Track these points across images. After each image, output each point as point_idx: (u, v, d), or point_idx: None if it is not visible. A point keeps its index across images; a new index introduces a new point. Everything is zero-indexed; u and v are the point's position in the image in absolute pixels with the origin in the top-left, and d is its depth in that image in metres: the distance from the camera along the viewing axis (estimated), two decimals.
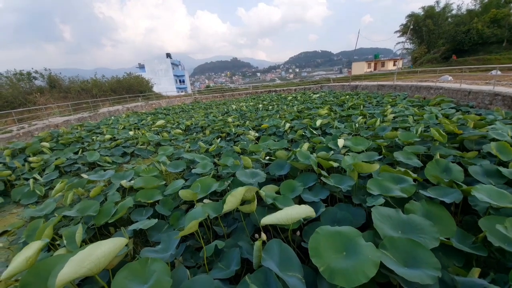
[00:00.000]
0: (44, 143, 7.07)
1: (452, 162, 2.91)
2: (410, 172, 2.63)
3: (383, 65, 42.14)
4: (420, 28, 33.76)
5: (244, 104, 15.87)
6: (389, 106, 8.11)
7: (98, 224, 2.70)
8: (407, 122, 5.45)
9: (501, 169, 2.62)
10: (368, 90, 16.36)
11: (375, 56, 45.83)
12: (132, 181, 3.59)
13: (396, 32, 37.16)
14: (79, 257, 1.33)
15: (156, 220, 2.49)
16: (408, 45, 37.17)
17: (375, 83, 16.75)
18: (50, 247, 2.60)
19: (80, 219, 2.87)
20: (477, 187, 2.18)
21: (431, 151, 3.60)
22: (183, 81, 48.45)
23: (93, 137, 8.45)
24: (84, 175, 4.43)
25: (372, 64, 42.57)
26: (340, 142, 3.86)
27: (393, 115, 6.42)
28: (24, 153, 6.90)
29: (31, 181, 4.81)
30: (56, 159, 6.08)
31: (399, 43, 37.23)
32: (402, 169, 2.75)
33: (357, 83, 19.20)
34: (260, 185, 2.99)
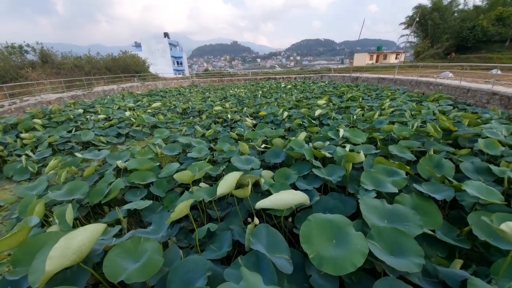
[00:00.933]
0: (36, 120, 6.91)
1: (445, 158, 2.96)
2: (404, 165, 2.67)
3: (385, 58, 41.59)
4: (426, 21, 33.02)
5: (243, 90, 15.64)
6: (388, 100, 8.09)
7: (91, 203, 2.71)
8: (404, 117, 5.47)
9: (492, 167, 2.68)
10: (368, 82, 16.24)
11: (378, 48, 45.04)
12: (127, 162, 3.57)
13: (401, 24, 36.33)
14: (58, 252, 1.26)
15: (150, 202, 2.50)
16: (412, 39, 36.49)
17: (376, 75, 16.61)
18: (44, 223, 2.61)
19: (72, 199, 2.87)
20: (467, 183, 2.25)
21: (425, 147, 3.65)
22: (181, 63, 47.17)
23: (87, 116, 8.28)
24: (78, 154, 4.38)
25: (375, 56, 41.95)
26: (341, 131, 3.91)
27: (391, 109, 6.43)
28: (16, 129, 6.75)
29: (23, 157, 4.74)
30: (49, 136, 5.97)
31: (403, 35, 36.56)
32: (396, 162, 2.79)
33: (358, 74, 19.01)
34: (254, 172, 3.01)
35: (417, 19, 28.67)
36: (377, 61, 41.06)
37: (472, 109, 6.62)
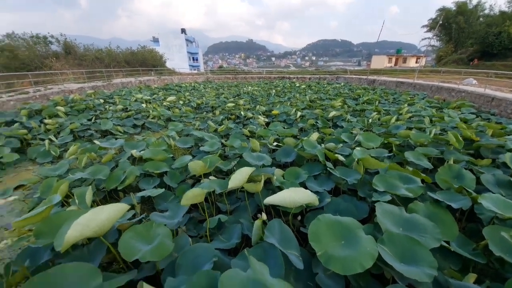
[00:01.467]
0: (59, 107, 7.26)
1: (465, 169, 2.85)
2: (420, 172, 2.60)
3: (404, 61, 40.20)
4: (450, 24, 31.54)
5: (256, 88, 15.66)
6: (406, 105, 7.85)
7: (108, 188, 2.83)
8: (422, 123, 5.29)
9: None
10: (386, 86, 15.79)
11: (398, 51, 43.53)
12: (142, 152, 3.69)
13: (423, 26, 34.84)
14: (84, 220, 1.36)
15: (163, 190, 2.59)
16: (435, 42, 34.98)
17: (394, 79, 16.12)
18: (64, 203, 2.75)
19: (91, 182, 3.01)
20: (484, 195, 2.15)
21: (444, 155, 3.51)
22: (197, 59, 47.82)
23: (106, 106, 8.60)
24: (96, 141, 4.57)
25: (393, 59, 40.64)
26: (357, 134, 3.84)
27: (409, 114, 6.23)
28: (40, 115, 7.12)
29: (46, 141, 5.01)
30: (70, 123, 6.26)
31: (424, 38, 35.03)
32: (411, 169, 2.71)
33: (375, 77, 18.52)
34: (267, 170, 3.03)
35: (441, 22, 27.44)
36: (396, 64, 39.77)
37: (496, 119, 6.30)
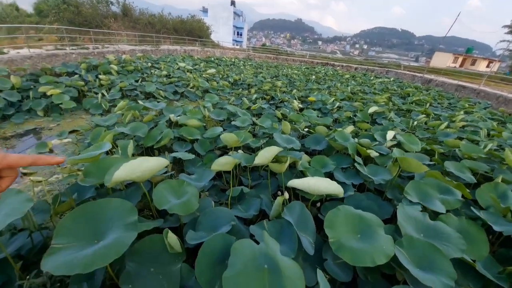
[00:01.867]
0: (113, 66, 7.91)
1: None
2: (464, 187, 2.37)
3: (473, 63, 34.76)
4: None
5: (296, 72, 15.12)
6: (462, 112, 6.96)
7: (145, 145, 3.12)
8: (477, 135, 4.68)
9: None
10: (444, 88, 14.03)
11: (468, 50, 37.51)
12: (179, 117, 3.93)
13: (504, 26, 29.26)
14: (132, 165, 1.53)
15: (193, 156, 2.77)
16: None
17: (455, 82, 14.21)
18: (108, 152, 3.12)
19: (133, 137, 3.33)
20: None
21: (493, 174, 3.12)
22: (241, 34, 47.20)
23: (152, 70, 9.14)
24: (140, 102, 4.96)
25: (460, 59, 35.37)
26: (390, 134, 3.54)
27: (463, 123, 5.54)
28: (96, 70, 7.87)
29: (99, 95, 5.58)
30: (120, 82, 6.83)
31: (503, 41, 29.52)
32: (455, 182, 2.48)
33: (432, 77, 16.52)
34: (295, 154, 3.03)
35: None
36: (462, 65, 34.68)
37: None
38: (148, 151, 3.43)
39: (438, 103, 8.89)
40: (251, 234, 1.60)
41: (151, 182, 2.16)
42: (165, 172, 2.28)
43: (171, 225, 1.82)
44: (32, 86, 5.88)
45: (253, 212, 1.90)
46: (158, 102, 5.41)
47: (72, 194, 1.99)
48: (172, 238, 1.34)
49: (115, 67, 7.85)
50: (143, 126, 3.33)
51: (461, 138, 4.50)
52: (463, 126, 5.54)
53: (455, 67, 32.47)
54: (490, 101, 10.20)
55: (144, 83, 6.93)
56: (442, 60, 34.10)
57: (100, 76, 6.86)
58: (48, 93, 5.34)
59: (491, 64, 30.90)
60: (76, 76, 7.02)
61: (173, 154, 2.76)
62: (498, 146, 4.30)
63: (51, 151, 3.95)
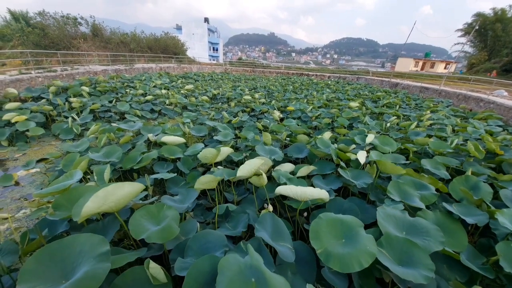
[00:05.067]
0: (84, 87, 7.58)
1: (484, 182, 2.72)
2: (437, 181, 2.51)
3: (432, 66, 38.12)
4: (486, 31, 29.41)
5: (274, 83, 15.52)
6: (429, 112, 7.50)
7: (125, 167, 2.96)
8: (444, 132, 5.06)
9: None
10: (409, 90, 15.13)
11: (426, 54, 41.24)
12: (157, 136, 3.81)
13: (457, 30, 32.70)
14: (103, 194, 1.42)
15: (175, 174, 2.67)
16: (467, 48, 32.80)
17: (419, 84, 15.39)
18: (82, 179, 2.92)
19: (109, 161, 3.15)
20: (503, 211, 2.06)
21: (463, 167, 3.36)
22: (217, 50, 47.92)
23: (126, 90, 8.88)
24: (114, 124, 4.77)
25: (420, 63, 38.64)
26: (370, 137, 3.70)
27: (430, 121, 5.97)
28: (66, 93, 7.48)
29: (70, 119, 5.28)
30: (92, 103, 6.54)
31: (457, 43, 32.90)
32: (426, 176, 2.63)
33: (398, 80, 17.78)
34: (277, 163, 3.04)
35: (476, 27, 25.66)
36: (422, 68, 37.85)
37: None
38: (127, 175, 3.26)
39: (406, 105, 9.53)
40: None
41: (132, 208, 2.04)
42: (146, 196, 2.17)
43: (155, 253, 1.71)
44: None
45: (242, 228, 1.85)
46: (134, 122, 5.22)
47: (42, 231, 1.81)
48: (155, 269, 1.25)
49: (87, 89, 7.52)
50: (119, 149, 3.18)
51: (430, 136, 4.83)
52: (431, 124, 5.97)
53: (416, 70, 35.36)
54: (451, 100, 11.14)
55: (118, 104, 6.69)
56: (405, 65, 37.05)
57: (71, 99, 6.52)
58: (13, 121, 4.95)
59: (448, 66, 34.07)
60: (43, 100, 6.62)
61: (154, 176, 2.64)
62: (464, 141, 4.66)
63: (16, 183, 3.62)
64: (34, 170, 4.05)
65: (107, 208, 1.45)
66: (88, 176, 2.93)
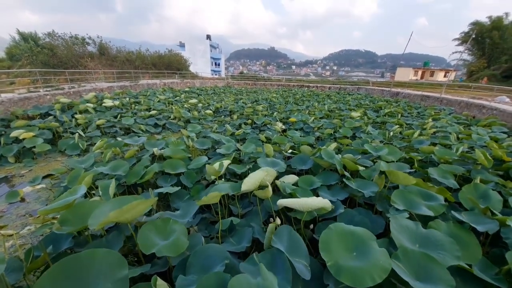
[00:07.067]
0: (89, 104, 7.78)
1: (493, 190, 2.66)
2: (445, 190, 2.46)
3: (432, 75, 38.48)
4: (484, 39, 29.89)
5: (275, 95, 15.74)
6: (431, 120, 7.50)
7: (129, 182, 2.97)
8: (448, 139, 5.02)
9: None
10: (410, 99, 15.19)
11: (425, 63, 41.80)
12: (162, 150, 3.84)
13: (454, 39, 33.27)
14: (124, 208, 1.47)
15: (179, 188, 2.67)
16: (466, 56, 33.21)
17: (419, 92, 15.48)
18: (87, 194, 2.93)
19: (114, 175, 3.17)
20: None
21: (471, 174, 3.31)
22: (219, 64, 49.16)
23: (131, 105, 9.07)
24: (119, 138, 4.84)
25: (420, 72, 39.07)
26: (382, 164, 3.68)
27: (434, 129, 5.95)
28: (72, 110, 7.67)
29: (76, 135, 5.37)
30: (98, 119, 6.68)
31: (455, 52, 33.39)
32: (436, 186, 2.58)
33: (399, 90, 17.90)
34: (280, 175, 3.03)
35: (473, 36, 26.10)
36: (422, 77, 38.18)
37: None
38: (131, 189, 3.26)
39: (408, 113, 9.54)
40: None
41: (135, 225, 2.03)
42: (150, 211, 2.16)
43: (159, 270, 1.68)
44: (3, 132, 5.56)
45: (246, 244, 1.81)
46: (139, 136, 5.29)
47: (46, 247, 1.80)
48: (162, 286, 1.23)
49: (92, 105, 7.71)
50: (124, 163, 3.21)
51: (434, 144, 4.80)
52: (434, 132, 5.94)
53: (416, 79, 35.69)
54: (453, 107, 11.13)
55: (123, 119, 6.81)
56: (404, 74, 37.47)
57: (76, 116, 6.67)
58: (21, 137, 5.06)
59: (447, 74, 34.35)
60: (50, 117, 6.78)
61: (158, 190, 2.64)
62: (469, 148, 4.62)
63: (22, 200, 3.64)
64: (39, 186, 4.08)
65: (124, 219, 1.49)
66: (93, 191, 2.94)
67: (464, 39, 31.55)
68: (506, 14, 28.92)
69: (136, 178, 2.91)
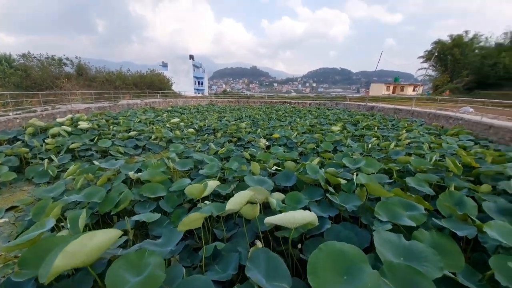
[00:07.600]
0: (64, 127, 7.37)
1: (466, 196, 2.80)
2: (423, 199, 2.54)
3: (402, 90, 41.58)
4: (446, 56, 33.20)
5: (258, 112, 16.00)
6: (405, 131, 7.93)
7: (102, 211, 2.75)
8: (422, 149, 5.30)
9: None
10: (384, 112, 16.12)
11: (395, 79, 45.25)
12: (139, 173, 3.66)
13: (419, 57, 36.63)
14: (73, 248, 1.29)
15: (159, 215, 2.51)
16: (431, 72, 36.48)
17: (392, 106, 16.50)
18: (55, 227, 2.66)
19: (86, 204, 2.94)
20: (490, 223, 2.09)
21: (445, 182, 3.47)
22: (202, 83, 49.66)
23: (110, 127, 8.73)
24: (96, 162, 4.57)
25: (391, 87, 42.10)
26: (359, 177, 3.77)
27: (408, 140, 6.27)
28: (45, 134, 7.21)
29: (45, 161, 5.00)
30: (72, 143, 6.31)
31: (421, 69, 36.65)
32: (414, 195, 2.66)
33: (373, 104, 18.99)
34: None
35: (436, 54, 28.89)
36: (393, 92, 41.07)
37: (494, 146, 6.31)
38: (105, 219, 3.03)
39: (384, 126, 10.06)
40: None
41: (110, 259, 1.85)
42: (126, 242, 2.00)
43: None
44: None
45: (231, 271, 1.70)
46: (116, 160, 5.04)
47: None
48: None
49: (66, 128, 7.31)
50: (100, 189, 2.99)
51: (409, 154, 5.03)
52: (409, 143, 6.26)
53: (389, 94, 38.30)
54: (423, 118, 11.93)
55: (99, 141, 6.50)
56: (378, 89, 40.18)
57: (47, 140, 6.26)
58: None
59: (416, 88, 37.27)
60: (19, 142, 6.32)
61: (135, 217, 2.47)
62: (441, 156, 4.89)
63: None
64: (2, 220, 3.66)
65: (78, 263, 1.30)
66: (62, 224, 2.68)
67: (428, 56, 34.81)
68: (466, 32, 32.54)
69: (111, 207, 2.71)
